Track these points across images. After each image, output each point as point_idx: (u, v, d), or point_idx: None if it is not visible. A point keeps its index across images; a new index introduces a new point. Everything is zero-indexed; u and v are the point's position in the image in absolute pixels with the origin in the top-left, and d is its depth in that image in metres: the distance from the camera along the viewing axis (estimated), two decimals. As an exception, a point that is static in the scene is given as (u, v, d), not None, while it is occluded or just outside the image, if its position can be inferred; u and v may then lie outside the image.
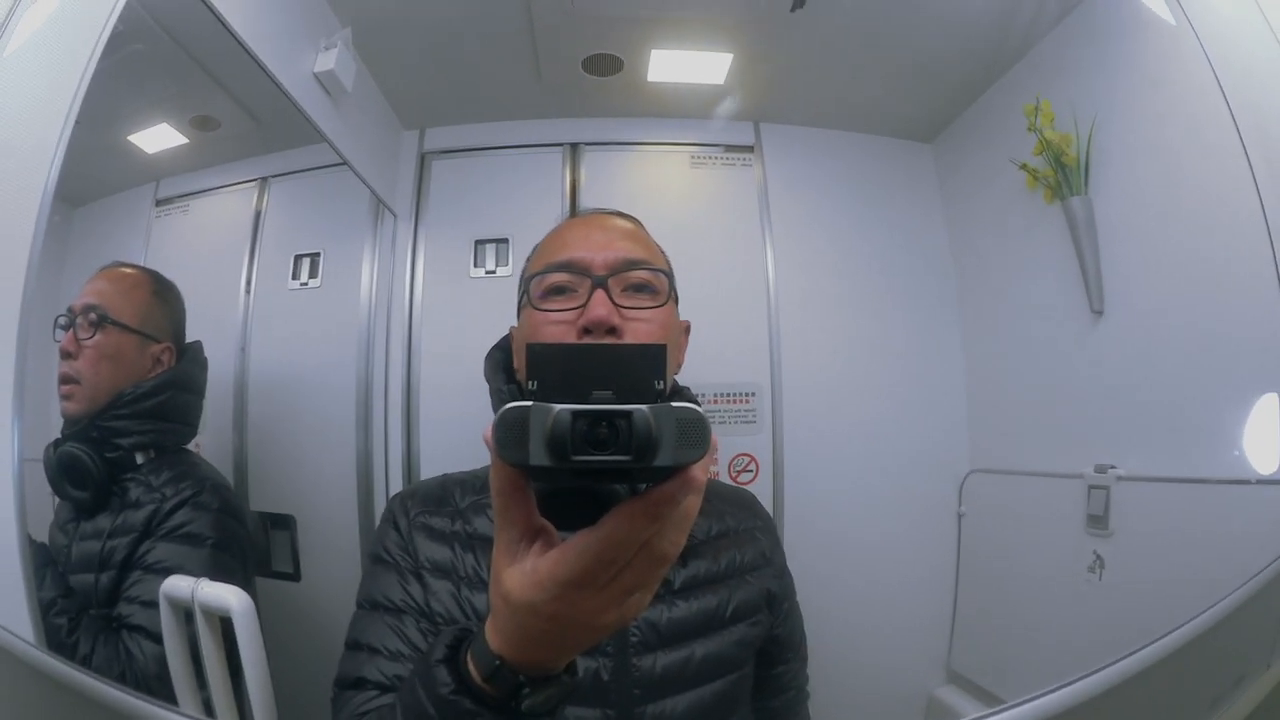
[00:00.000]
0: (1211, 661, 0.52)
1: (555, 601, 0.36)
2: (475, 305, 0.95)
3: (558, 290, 0.67)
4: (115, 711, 0.46)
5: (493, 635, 0.40)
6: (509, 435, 0.34)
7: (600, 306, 0.64)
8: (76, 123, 0.64)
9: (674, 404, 0.34)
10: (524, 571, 0.37)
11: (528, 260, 0.74)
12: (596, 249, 0.67)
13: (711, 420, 0.35)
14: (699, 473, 0.35)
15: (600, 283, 0.65)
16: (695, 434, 0.34)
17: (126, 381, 0.82)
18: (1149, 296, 0.82)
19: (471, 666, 0.41)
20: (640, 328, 0.65)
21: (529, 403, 0.34)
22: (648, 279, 0.67)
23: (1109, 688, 0.44)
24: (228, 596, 0.68)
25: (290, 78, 0.79)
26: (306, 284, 0.97)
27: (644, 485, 0.35)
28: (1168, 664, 0.46)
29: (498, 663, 0.40)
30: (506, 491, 0.37)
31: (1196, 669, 0.50)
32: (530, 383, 0.35)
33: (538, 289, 0.67)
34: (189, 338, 0.88)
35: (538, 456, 0.33)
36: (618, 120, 0.98)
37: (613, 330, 0.64)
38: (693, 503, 0.36)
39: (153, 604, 0.73)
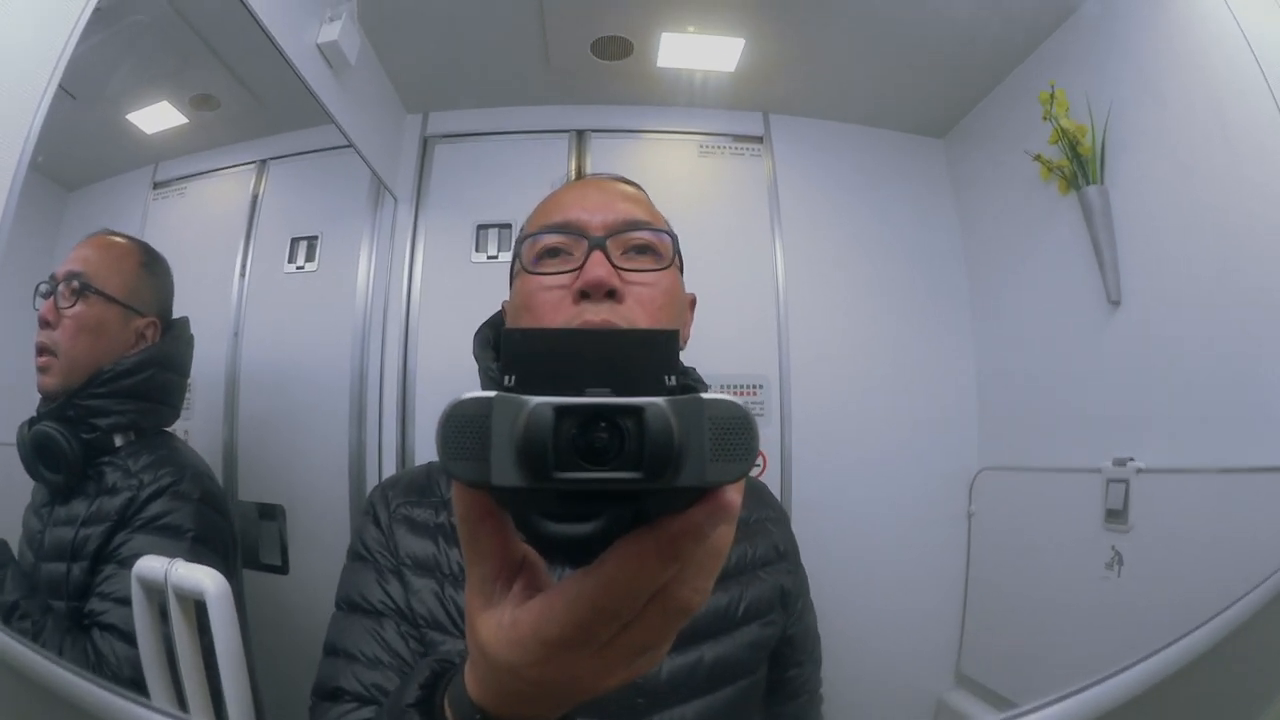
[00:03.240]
0: (1264, 646, 0.48)
1: (541, 665, 0.28)
2: (476, 291, 0.92)
3: (553, 253, 0.60)
4: (78, 706, 0.41)
5: (472, 684, 0.33)
6: (460, 441, 0.23)
7: (599, 267, 0.57)
8: (72, 96, 0.62)
9: (705, 395, 0.24)
10: (501, 625, 0.29)
11: (522, 227, 0.67)
12: (595, 210, 0.61)
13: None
14: (734, 494, 0.26)
15: (598, 244, 0.59)
16: (738, 441, 0.24)
17: (107, 357, 0.77)
18: (1167, 285, 0.81)
19: (449, 714, 0.34)
20: (642, 292, 0.59)
21: (490, 393, 0.24)
22: (650, 240, 0.61)
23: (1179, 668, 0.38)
24: (202, 578, 0.64)
25: (293, 47, 0.77)
26: (303, 267, 0.95)
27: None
28: (1221, 649, 0.42)
29: (478, 717, 0.32)
30: (472, 517, 0.28)
31: (1250, 654, 0.46)
32: (507, 377, 0.26)
33: (531, 252, 0.61)
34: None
35: (503, 474, 0.23)
36: (625, 107, 0.97)
37: (612, 293, 0.57)
38: (724, 534, 0.27)
39: (127, 601, 0.68)
